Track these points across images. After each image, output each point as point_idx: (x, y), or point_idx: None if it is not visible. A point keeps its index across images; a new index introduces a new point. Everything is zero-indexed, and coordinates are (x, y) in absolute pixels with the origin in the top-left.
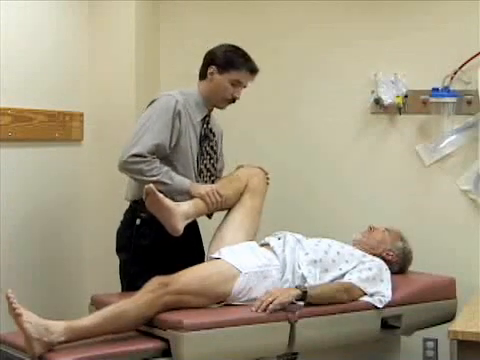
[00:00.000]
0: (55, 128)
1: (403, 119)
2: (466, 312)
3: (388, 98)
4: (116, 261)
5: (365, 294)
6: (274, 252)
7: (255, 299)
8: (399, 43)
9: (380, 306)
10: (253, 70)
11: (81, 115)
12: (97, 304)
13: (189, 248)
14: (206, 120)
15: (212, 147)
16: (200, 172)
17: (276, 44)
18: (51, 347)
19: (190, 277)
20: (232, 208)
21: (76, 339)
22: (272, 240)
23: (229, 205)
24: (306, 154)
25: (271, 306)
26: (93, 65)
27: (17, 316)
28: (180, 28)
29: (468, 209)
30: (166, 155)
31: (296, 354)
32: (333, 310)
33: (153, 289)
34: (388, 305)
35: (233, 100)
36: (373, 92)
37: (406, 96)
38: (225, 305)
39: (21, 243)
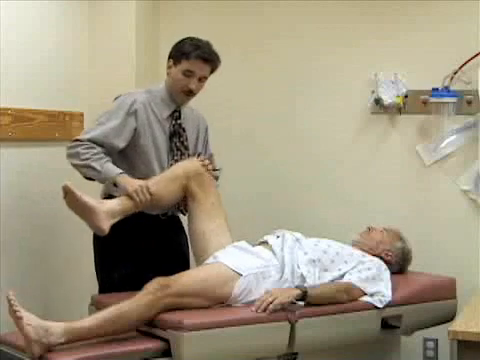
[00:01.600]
0: (55, 128)
1: (403, 119)
2: (466, 312)
3: (388, 98)
4: None
5: (365, 294)
6: (273, 251)
7: (255, 300)
8: (399, 43)
9: (380, 306)
10: (203, 57)
11: (81, 115)
12: (97, 304)
13: (162, 246)
14: (175, 116)
15: (183, 142)
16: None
17: (276, 44)
18: (50, 348)
19: (190, 279)
20: (193, 215)
21: (76, 340)
22: (271, 238)
23: (165, 203)
24: (306, 154)
25: (271, 306)
26: (93, 65)
27: (18, 319)
28: (180, 28)
29: (468, 209)
30: (126, 154)
31: (296, 354)
32: (333, 310)
33: (153, 291)
34: (388, 305)
35: (190, 92)
36: (373, 92)
37: (406, 96)
38: (225, 305)
39: (21, 243)
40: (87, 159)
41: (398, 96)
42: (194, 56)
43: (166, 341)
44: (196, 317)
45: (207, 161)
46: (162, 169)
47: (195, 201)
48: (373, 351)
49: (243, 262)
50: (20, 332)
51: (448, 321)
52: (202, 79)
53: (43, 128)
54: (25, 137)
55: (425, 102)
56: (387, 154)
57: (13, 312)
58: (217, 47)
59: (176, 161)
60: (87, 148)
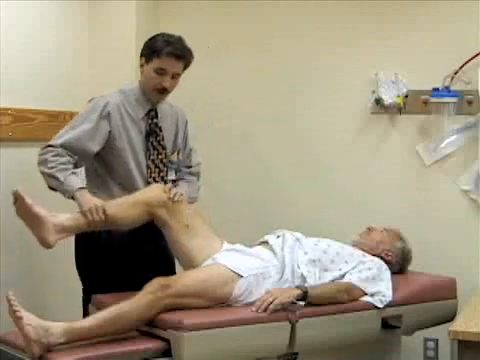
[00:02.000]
0: (56, 128)
1: (403, 119)
2: (466, 312)
3: (388, 98)
4: None
5: (365, 294)
6: (273, 251)
7: (255, 301)
8: (400, 43)
9: (381, 306)
10: (175, 54)
11: None
12: (97, 304)
13: (142, 248)
14: (151, 115)
15: (159, 142)
16: (147, 168)
17: (276, 44)
18: (50, 348)
19: (191, 280)
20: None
21: (76, 340)
22: (271, 238)
23: (124, 226)
24: (306, 154)
25: (271, 306)
26: (93, 65)
27: (18, 319)
28: (180, 28)
29: (468, 209)
30: (103, 158)
31: (297, 354)
32: (334, 310)
33: (153, 291)
34: (388, 305)
35: (163, 90)
36: (374, 92)
37: (406, 96)
38: (225, 306)
39: (21, 242)
40: (52, 168)
41: (398, 96)
42: (165, 53)
43: (166, 341)
44: (196, 317)
45: (171, 189)
46: (140, 170)
47: (167, 228)
48: (373, 351)
49: (243, 263)
50: (20, 332)
51: (448, 321)
52: (175, 76)
53: (43, 128)
54: (25, 137)
55: (425, 102)
56: (387, 154)
57: (13, 312)
58: (217, 47)
59: (153, 161)
60: (55, 156)
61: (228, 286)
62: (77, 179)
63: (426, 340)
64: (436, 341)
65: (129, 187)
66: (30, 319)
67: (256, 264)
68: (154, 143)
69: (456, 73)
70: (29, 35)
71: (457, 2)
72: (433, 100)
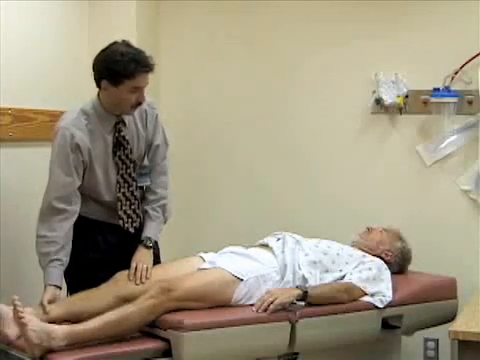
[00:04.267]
0: None
1: (404, 119)
2: (466, 312)
3: (389, 98)
4: None
5: (366, 294)
6: (273, 253)
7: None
8: (400, 43)
9: (381, 306)
10: (146, 70)
11: None
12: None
13: (128, 248)
14: (118, 128)
15: (127, 155)
16: (117, 183)
17: (276, 43)
18: (51, 350)
19: (192, 284)
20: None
21: (78, 343)
22: (271, 241)
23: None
24: (306, 154)
25: (272, 306)
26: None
27: (23, 325)
28: (180, 29)
29: (468, 209)
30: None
31: (297, 354)
32: (334, 310)
33: (156, 295)
34: (389, 305)
35: (140, 104)
36: (374, 92)
37: (407, 96)
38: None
39: (21, 243)
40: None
41: (399, 96)
42: (139, 72)
43: (167, 341)
44: (196, 317)
45: (137, 273)
46: (109, 186)
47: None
48: (374, 351)
49: (243, 266)
50: (23, 336)
51: (449, 321)
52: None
53: (44, 128)
54: (26, 137)
55: (426, 102)
56: (388, 154)
57: (18, 318)
58: (218, 47)
59: (122, 176)
60: (48, 243)
61: (229, 289)
62: (53, 274)
63: (426, 340)
64: (436, 341)
65: (100, 203)
66: (34, 325)
67: (256, 267)
68: (122, 157)
69: (456, 73)
70: (29, 35)
71: (457, 2)
72: (433, 100)
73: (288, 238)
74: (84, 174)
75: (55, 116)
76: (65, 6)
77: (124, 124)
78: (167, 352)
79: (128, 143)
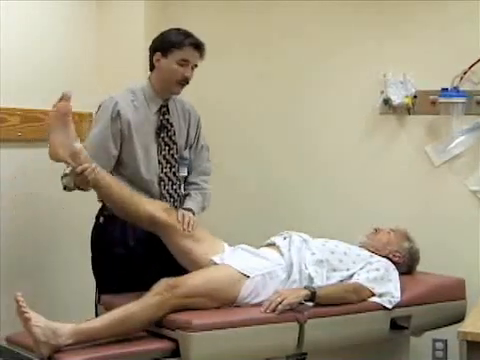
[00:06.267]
0: None
1: (412, 119)
2: (475, 313)
3: (397, 98)
4: None
5: (374, 295)
6: (280, 252)
7: (262, 301)
8: (408, 43)
9: (389, 307)
10: (196, 45)
11: (90, 115)
12: (106, 305)
13: (156, 245)
14: (162, 111)
15: (171, 137)
16: (159, 163)
17: (284, 44)
18: (58, 349)
19: (198, 280)
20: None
21: (84, 341)
22: (278, 240)
23: (107, 196)
24: (315, 154)
25: (280, 306)
26: (102, 65)
27: (26, 320)
28: (188, 29)
29: (477, 210)
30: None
31: (305, 354)
32: (342, 311)
33: (161, 292)
34: (397, 306)
35: (186, 81)
36: (382, 92)
37: (415, 96)
38: (234, 306)
39: (29, 243)
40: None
41: (407, 96)
42: (187, 44)
43: (175, 341)
44: (205, 317)
45: (183, 218)
46: (149, 165)
47: (168, 233)
48: (382, 352)
49: (250, 264)
50: (28, 333)
51: (457, 322)
52: (193, 67)
53: None
54: (34, 137)
55: (434, 102)
56: (396, 154)
57: (21, 313)
58: (225, 48)
59: (164, 156)
60: None
61: (235, 287)
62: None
63: (435, 341)
64: (445, 342)
65: (137, 182)
66: (38, 320)
67: (263, 264)
68: (165, 139)
69: (465, 73)
70: (38, 36)
71: (465, 2)
72: (442, 100)
73: (295, 237)
74: (122, 147)
75: None
76: (73, 6)
77: (168, 110)
78: (175, 352)
79: (172, 126)
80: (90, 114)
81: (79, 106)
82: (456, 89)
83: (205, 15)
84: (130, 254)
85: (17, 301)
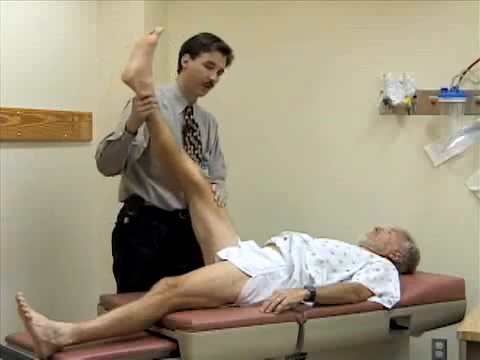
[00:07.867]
0: (64, 128)
1: (412, 119)
2: (475, 313)
3: (397, 98)
4: None
5: (373, 294)
6: (280, 252)
7: (263, 301)
8: (408, 43)
9: (389, 307)
10: (223, 49)
11: (90, 115)
12: (106, 304)
13: (181, 245)
14: (188, 111)
15: (196, 137)
16: None
17: (285, 45)
18: (59, 349)
19: (198, 279)
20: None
21: (84, 341)
22: (278, 240)
23: (158, 137)
24: (314, 154)
25: (280, 306)
26: (102, 65)
27: (27, 320)
28: (189, 29)
29: (477, 209)
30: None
31: (305, 354)
32: (342, 311)
33: (161, 291)
34: (397, 306)
35: (210, 84)
36: (382, 92)
37: (415, 96)
38: (234, 306)
39: (29, 243)
40: (102, 143)
41: (407, 96)
42: (215, 47)
43: (175, 341)
44: (205, 317)
45: (218, 192)
46: None
47: (198, 199)
48: (382, 352)
49: (252, 263)
50: (29, 332)
51: (457, 322)
52: (220, 72)
53: (52, 128)
54: (34, 137)
55: (434, 102)
56: (395, 154)
57: (22, 312)
58: None
59: (189, 155)
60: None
61: (236, 286)
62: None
63: (434, 341)
64: (445, 342)
65: (165, 182)
66: (39, 320)
67: (265, 264)
68: (191, 138)
69: (464, 73)
70: (38, 35)
71: (465, 2)
72: (441, 100)
73: (295, 238)
74: (150, 145)
75: (63, 117)
76: (74, 6)
77: (192, 111)
78: (175, 352)
79: (197, 126)
80: (90, 114)
81: (80, 106)
82: (456, 89)
83: (205, 15)
84: (156, 255)
85: (18, 301)
